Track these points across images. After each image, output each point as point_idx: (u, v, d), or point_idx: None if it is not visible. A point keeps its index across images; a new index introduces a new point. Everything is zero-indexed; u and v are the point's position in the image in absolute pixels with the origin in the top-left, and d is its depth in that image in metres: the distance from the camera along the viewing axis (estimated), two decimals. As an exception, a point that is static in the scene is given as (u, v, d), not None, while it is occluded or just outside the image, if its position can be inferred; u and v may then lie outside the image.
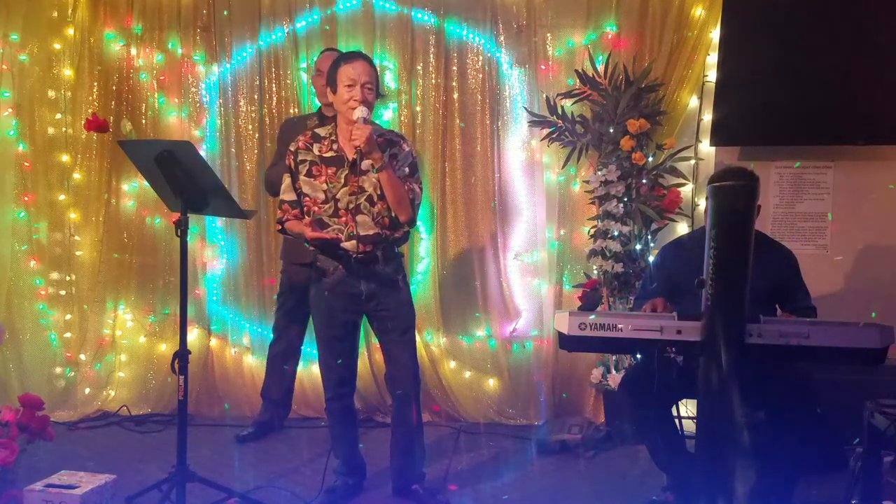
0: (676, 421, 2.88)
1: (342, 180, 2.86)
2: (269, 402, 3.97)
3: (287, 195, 2.93)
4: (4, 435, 2.80)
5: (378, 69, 2.95)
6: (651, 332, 2.31)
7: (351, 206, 2.85)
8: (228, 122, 4.24)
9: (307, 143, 2.93)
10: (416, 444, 3.10)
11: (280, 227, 2.96)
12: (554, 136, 4.02)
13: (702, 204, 3.93)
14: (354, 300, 2.94)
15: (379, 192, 2.85)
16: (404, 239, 3.02)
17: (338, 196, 2.86)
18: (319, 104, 3.83)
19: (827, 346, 2.25)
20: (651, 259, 3.90)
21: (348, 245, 2.86)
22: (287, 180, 2.93)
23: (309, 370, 4.23)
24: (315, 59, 3.90)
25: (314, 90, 3.94)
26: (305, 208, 2.90)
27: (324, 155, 2.90)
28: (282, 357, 3.93)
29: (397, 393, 3.04)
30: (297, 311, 3.83)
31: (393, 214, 2.87)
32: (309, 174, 2.89)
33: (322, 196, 2.87)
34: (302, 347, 3.98)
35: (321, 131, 2.96)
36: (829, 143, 3.87)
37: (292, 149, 2.93)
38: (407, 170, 2.92)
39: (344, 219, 2.85)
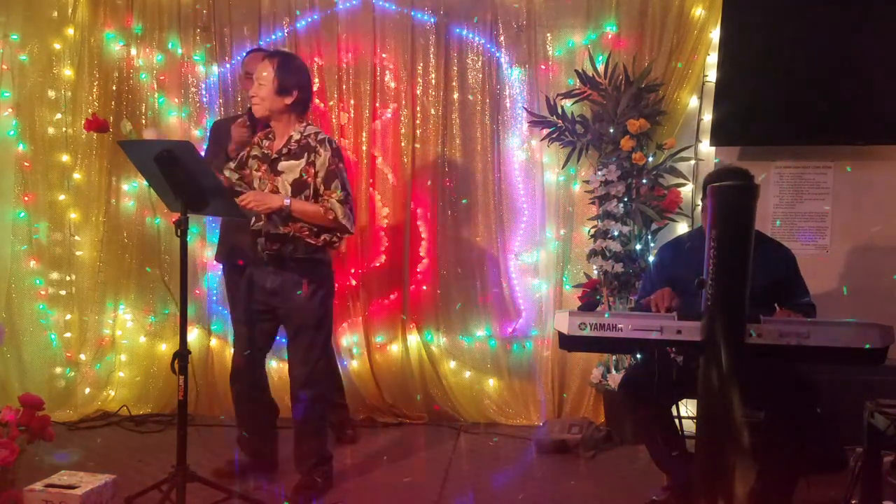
0: (676, 421, 2.88)
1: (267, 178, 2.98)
2: None
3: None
4: (4, 435, 2.80)
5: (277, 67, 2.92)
6: (651, 332, 2.31)
7: None
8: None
9: (260, 139, 3.06)
10: (304, 441, 3.14)
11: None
12: (554, 136, 4.02)
13: (700, 205, 3.94)
14: (261, 293, 3.04)
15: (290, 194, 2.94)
16: (330, 242, 3.02)
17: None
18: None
19: (827, 346, 2.25)
20: (651, 259, 3.91)
21: (259, 241, 2.98)
22: (230, 165, 3.11)
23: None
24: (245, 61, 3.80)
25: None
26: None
27: (264, 151, 3.03)
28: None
29: (291, 392, 3.12)
30: None
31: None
32: (244, 167, 3.07)
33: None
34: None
35: (269, 130, 3.07)
36: (829, 143, 3.87)
37: (255, 140, 3.08)
38: (322, 185, 2.92)
39: (263, 216, 2.95)
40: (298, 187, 2.92)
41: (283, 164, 2.93)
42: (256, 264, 3.07)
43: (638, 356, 3.59)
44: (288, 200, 2.85)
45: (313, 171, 2.91)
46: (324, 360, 3.15)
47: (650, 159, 3.94)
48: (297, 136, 2.95)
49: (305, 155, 2.92)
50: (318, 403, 3.11)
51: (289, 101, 2.92)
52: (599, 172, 3.93)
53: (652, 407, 2.80)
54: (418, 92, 4.18)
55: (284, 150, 2.95)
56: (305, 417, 3.10)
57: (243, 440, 3.29)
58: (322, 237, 2.98)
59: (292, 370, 3.10)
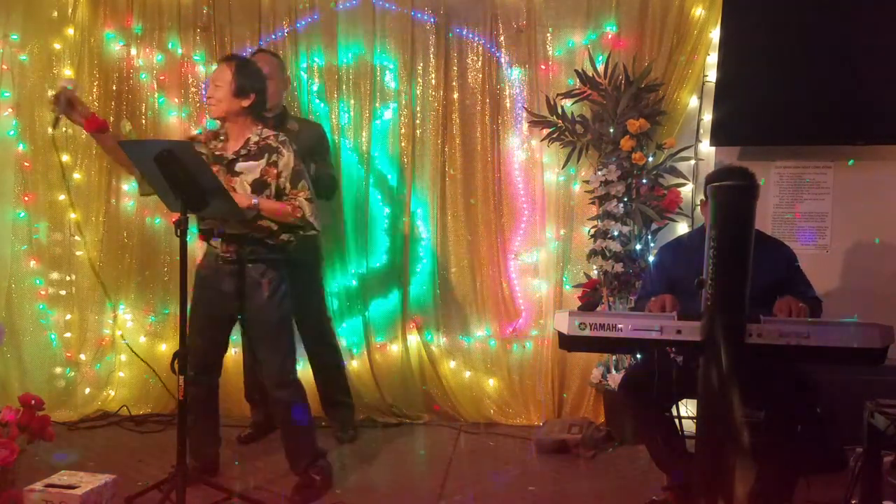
0: (676, 421, 2.88)
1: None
2: (255, 404, 3.97)
3: None
4: (4, 435, 2.80)
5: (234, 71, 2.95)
6: (651, 332, 2.31)
7: None
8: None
9: (208, 137, 3.05)
10: (293, 442, 3.16)
11: None
12: (554, 136, 4.02)
13: (700, 204, 3.94)
14: (220, 297, 3.01)
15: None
16: (289, 241, 3.04)
17: None
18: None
19: (827, 346, 2.25)
20: (651, 259, 3.91)
21: (215, 243, 2.97)
22: None
23: (306, 370, 4.23)
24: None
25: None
26: None
27: (215, 153, 3.00)
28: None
29: (270, 394, 3.11)
30: None
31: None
32: None
33: None
34: None
35: (220, 131, 3.06)
36: (829, 143, 3.87)
37: (202, 140, 3.06)
38: (288, 185, 2.95)
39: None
40: (258, 187, 2.93)
41: (241, 165, 2.94)
42: (210, 268, 3.05)
43: (638, 356, 3.59)
44: (256, 199, 2.86)
45: (275, 171, 2.94)
46: (292, 357, 3.17)
47: (650, 159, 3.94)
48: (255, 139, 2.98)
49: (266, 156, 2.95)
50: (297, 401, 3.12)
51: (246, 103, 2.95)
52: (599, 172, 3.93)
53: (652, 407, 2.80)
54: (418, 92, 4.18)
55: (243, 152, 2.96)
56: (288, 418, 3.11)
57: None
58: (281, 237, 3.01)
59: (263, 373, 3.10)
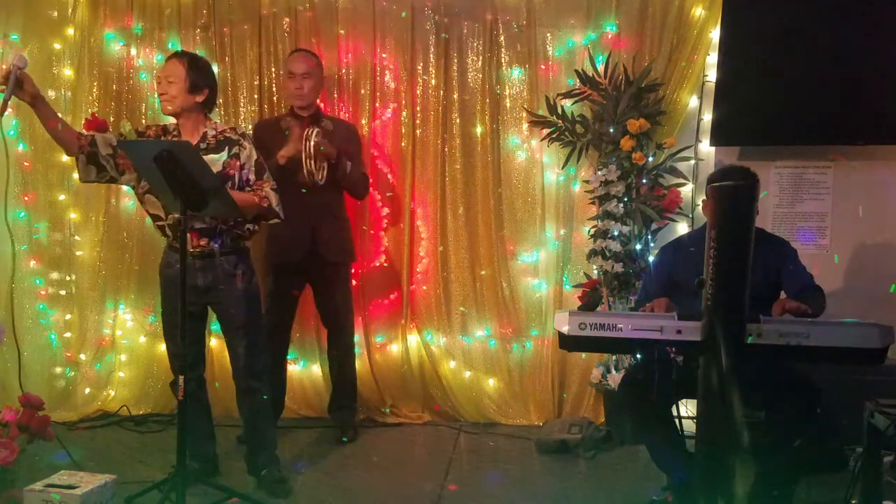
0: (676, 421, 2.88)
1: None
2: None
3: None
4: (4, 435, 2.80)
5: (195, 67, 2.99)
6: (651, 332, 2.31)
7: None
8: (228, 121, 4.23)
9: (157, 133, 3.04)
10: (263, 432, 3.18)
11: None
12: (554, 136, 4.02)
13: (701, 203, 3.94)
14: (193, 292, 2.98)
15: None
16: (253, 231, 3.09)
17: None
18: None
19: (827, 346, 2.25)
20: (651, 259, 3.91)
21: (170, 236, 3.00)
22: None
23: (309, 370, 4.24)
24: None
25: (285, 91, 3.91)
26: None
27: None
28: None
29: (241, 387, 3.12)
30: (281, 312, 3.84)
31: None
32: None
33: None
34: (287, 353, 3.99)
35: (170, 126, 3.06)
36: (829, 143, 3.86)
37: (148, 135, 3.05)
38: (253, 176, 2.98)
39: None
40: (222, 180, 2.95)
41: (207, 158, 2.95)
42: (172, 262, 3.02)
43: (638, 356, 3.59)
44: (239, 195, 2.87)
45: (238, 163, 2.97)
46: (265, 348, 3.20)
47: (650, 159, 3.94)
48: (212, 133, 3.01)
49: (227, 149, 2.98)
50: (267, 394, 3.17)
51: (200, 98, 2.99)
52: (599, 172, 3.93)
53: (652, 406, 2.80)
54: (418, 92, 4.18)
55: (202, 146, 2.98)
56: (260, 409, 3.16)
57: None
58: (246, 227, 3.04)
59: (240, 364, 3.10)
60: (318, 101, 3.83)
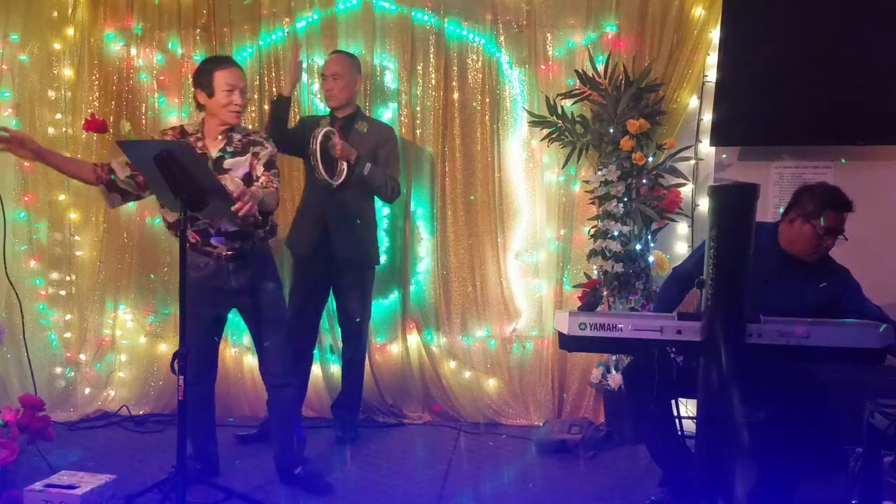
0: (676, 421, 2.88)
1: None
2: None
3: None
4: (4, 435, 2.81)
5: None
6: (651, 332, 2.31)
7: None
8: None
9: (175, 137, 3.05)
10: (292, 431, 3.20)
11: None
12: (554, 136, 4.02)
13: (702, 204, 3.95)
14: (225, 295, 3.04)
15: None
16: (272, 231, 3.14)
17: None
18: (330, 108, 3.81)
19: (827, 346, 2.25)
20: (651, 259, 3.91)
21: (216, 242, 2.98)
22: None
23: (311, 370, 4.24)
24: (324, 61, 3.88)
25: (322, 93, 3.91)
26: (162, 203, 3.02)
27: (200, 150, 2.99)
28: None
29: (273, 384, 3.14)
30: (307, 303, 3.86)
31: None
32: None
33: None
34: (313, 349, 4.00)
35: (189, 128, 3.08)
36: (829, 143, 3.86)
37: (169, 136, 3.06)
38: (262, 168, 2.99)
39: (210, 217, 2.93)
40: (248, 180, 2.99)
41: (229, 162, 2.99)
42: (207, 268, 3.02)
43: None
44: (262, 193, 2.87)
45: (256, 161, 3.00)
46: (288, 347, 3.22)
47: (650, 159, 3.94)
48: (238, 136, 3.04)
49: (251, 150, 3.01)
50: (295, 394, 3.22)
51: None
52: (599, 172, 3.93)
53: (651, 401, 2.81)
54: (418, 92, 4.18)
55: (229, 149, 3.01)
56: (291, 410, 3.19)
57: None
58: (267, 223, 3.08)
59: (274, 366, 3.12)
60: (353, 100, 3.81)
